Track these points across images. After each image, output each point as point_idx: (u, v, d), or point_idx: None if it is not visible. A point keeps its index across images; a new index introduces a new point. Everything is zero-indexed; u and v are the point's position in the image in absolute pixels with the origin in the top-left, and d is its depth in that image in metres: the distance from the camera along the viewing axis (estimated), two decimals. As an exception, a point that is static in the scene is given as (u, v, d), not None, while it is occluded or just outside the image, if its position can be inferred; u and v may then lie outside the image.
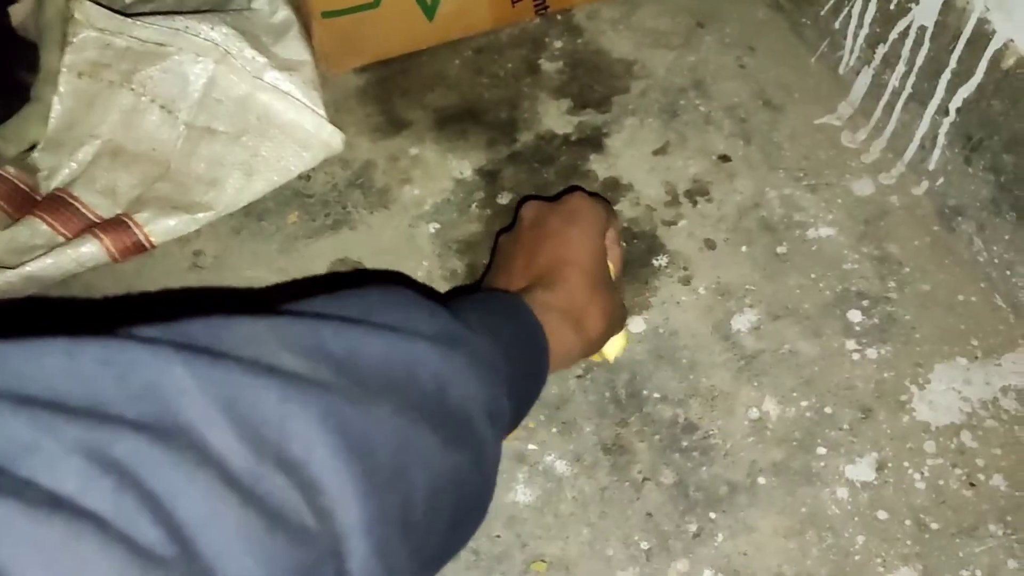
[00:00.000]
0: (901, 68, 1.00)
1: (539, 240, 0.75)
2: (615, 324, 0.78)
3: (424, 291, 0.59)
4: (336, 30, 1.14)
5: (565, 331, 0.68)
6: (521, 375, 0.60)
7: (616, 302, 0.77)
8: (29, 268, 0.90)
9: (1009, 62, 0.87)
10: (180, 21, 0.99)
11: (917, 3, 0.95)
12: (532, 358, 0.63)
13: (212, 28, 1.00)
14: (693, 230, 1.03)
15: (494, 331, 0.59)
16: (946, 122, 0.96)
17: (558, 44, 1.20)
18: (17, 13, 1.09)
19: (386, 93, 1.17)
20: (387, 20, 1.15)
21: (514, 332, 0.62)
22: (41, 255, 0.91)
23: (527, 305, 0.66)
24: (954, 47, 0.92)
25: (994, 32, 0.87)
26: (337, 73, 1.18)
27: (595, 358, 0.85)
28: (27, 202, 0.99)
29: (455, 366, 0.50)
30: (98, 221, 0.96)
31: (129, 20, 0.98)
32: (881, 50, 1.03)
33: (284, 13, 1.12)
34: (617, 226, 0.83)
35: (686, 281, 0.99)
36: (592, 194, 0.83)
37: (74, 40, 0.97)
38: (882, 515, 0.84)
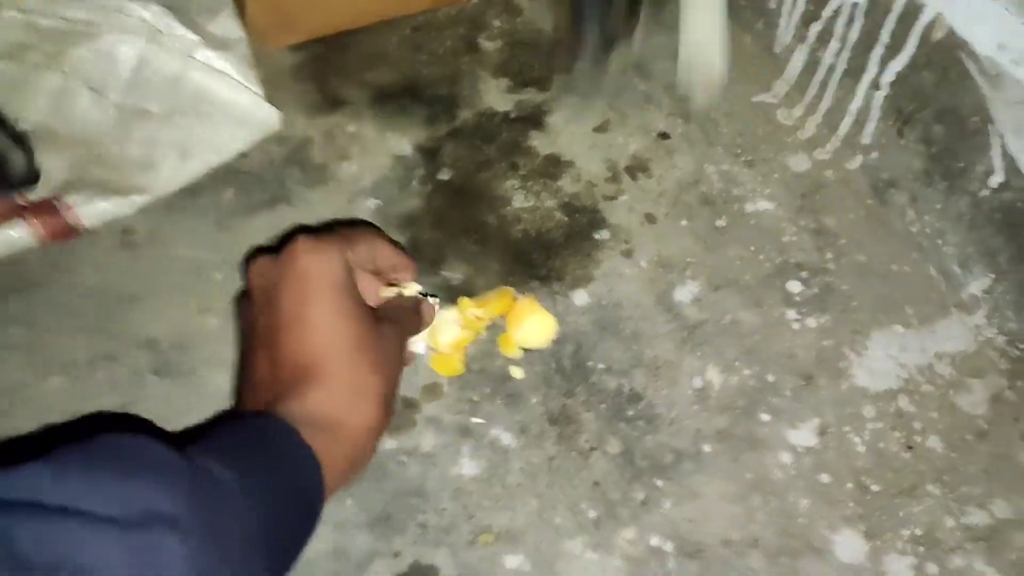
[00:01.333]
0: (835, 45, 1.02)
1: (275, 333, 0.59)
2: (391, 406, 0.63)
3: (162, 436, 0.46)
4: (270, 5, 1.12)
5: (334, 451, 0.55)
6: (288, 530, 0.51)
7: (397, 371, 0.65)
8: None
9: (938, 35, 0.89)
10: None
11: (848, -20, 0.97)
12: (301, 503, 0.52)
13: (142, 7, 0.97)
14: (634, 205, 1.03)
15: (249, 483, 0.47)
16: (879, 95, 0.98)
17: (497, 23, 1.20)
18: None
19: (323, 71, 1.15)
20: (323, -3, 1.13)
21: (278, 477, 0.51)
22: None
23: (290, 428, 0.53)
24: (885, 22, 0.94)
25: (923, 6, 0.89)
26: (272, 50, 1.16)
27: (509, 351, 0.85)
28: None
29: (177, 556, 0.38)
30: (26, 205, 0.92)
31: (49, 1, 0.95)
32: (815, 28, 1.04)
33: (216, -13, 1.09)
34: (382, 252, 0.69)
35: (628, 254, 0.99)
36: (343, 224, 0.76)
37: None
38: (824, 478, 0.85)
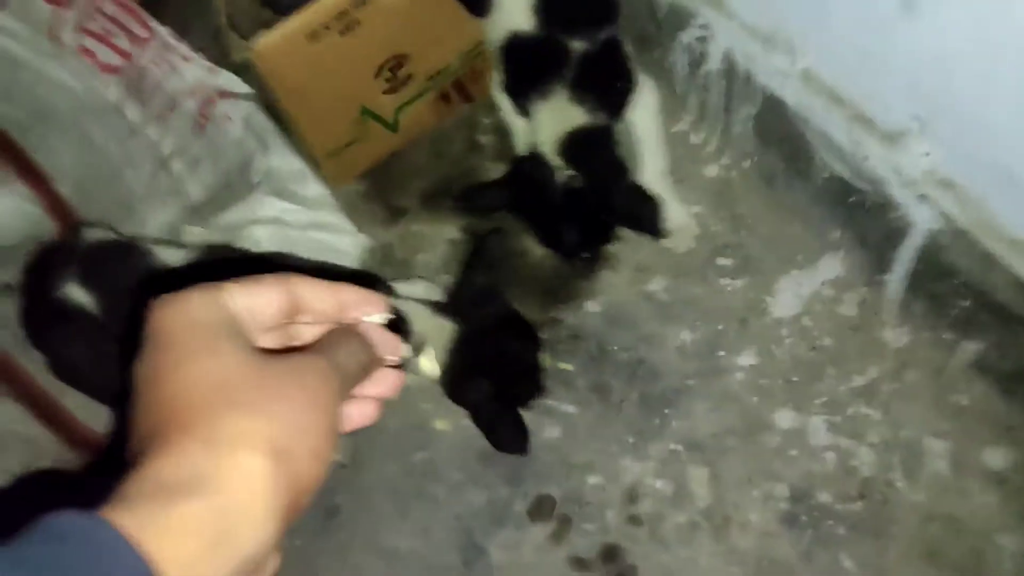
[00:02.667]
0: (716, 89, 1.52)
1: (147, 391, 0.47)
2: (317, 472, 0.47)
3: None
4: (336, 161, 1.65)
5: (188, 535, 0.40)
6: None
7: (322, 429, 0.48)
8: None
9: (767, 94, 1.38)
10: (240, 209, 1.49)
11: (707, 57, 1.46)
12: None
13: (261, 207, 1.50)
14: (611, 231, 1.56)
15: None
16: (752, 120, 1.47)
17: (487, 120, 1.70)
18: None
19: (381, 190, 1.69)
20: (366, 144, 1.65)
21: None
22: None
23: (108, 536, 0.38)
24: (735, 79, 1.43)
25: (742, 67, 1.39)
26: (343, 187, 1.69)
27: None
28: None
29: None
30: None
31: (212, 223, 1.47)
32: (697, 79, 1.54)
33: (296, 163, 1.60)
34: (309, 294, 0.54)
35: (614, 267, 1.52)
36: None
37: (190, 249, 1.46)
38: (764, 382, 1.40)
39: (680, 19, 1.47)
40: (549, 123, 1.39)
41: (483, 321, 1.32)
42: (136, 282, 1.28)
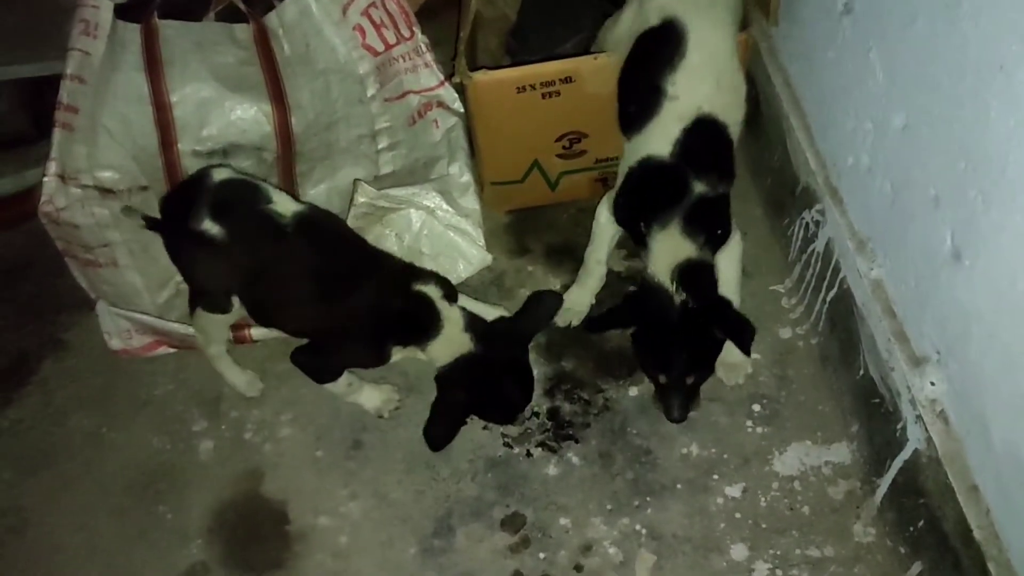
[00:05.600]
0: (814, 267, 1.73)
1: None
2: None
3: None
4: (498, 191, 1.97)
5: None
6: None
7: None
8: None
9: (845, 287, 1.58)
10: (410, 190, 1.83)
11: (817, 238, 1.68)
12: None
13: (427, 196, 1.83)
14: (679, 342, 1.79)
15: None
16: (828, 303, 1.68)
17: (628, 213, 1.98)
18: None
19: (520, 229, 1.99)
20: (527, 188, 1.97)
21: None
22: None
23: None
24: (831, 263, 1.65)
25: (836, 257, 1.60)
26: (494, 213, 2.01)
27: None
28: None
29: None
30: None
31: (383, 192, 1.82)
32: (805, 255, 1.76)
33: (467, 177, 1.94)
34: None
35: (666, 371, 1.75)
36: None
37: (356, 205, 1.81)
38: (737, 515, 1.59)
39: (809, 199, 1.70)
40: (665, 251, 1.57)
41: (498, 352, 1.59)
42: (257, 216, 1.56)
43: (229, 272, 1.59)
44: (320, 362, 1.66)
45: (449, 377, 1.58)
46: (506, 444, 1.70)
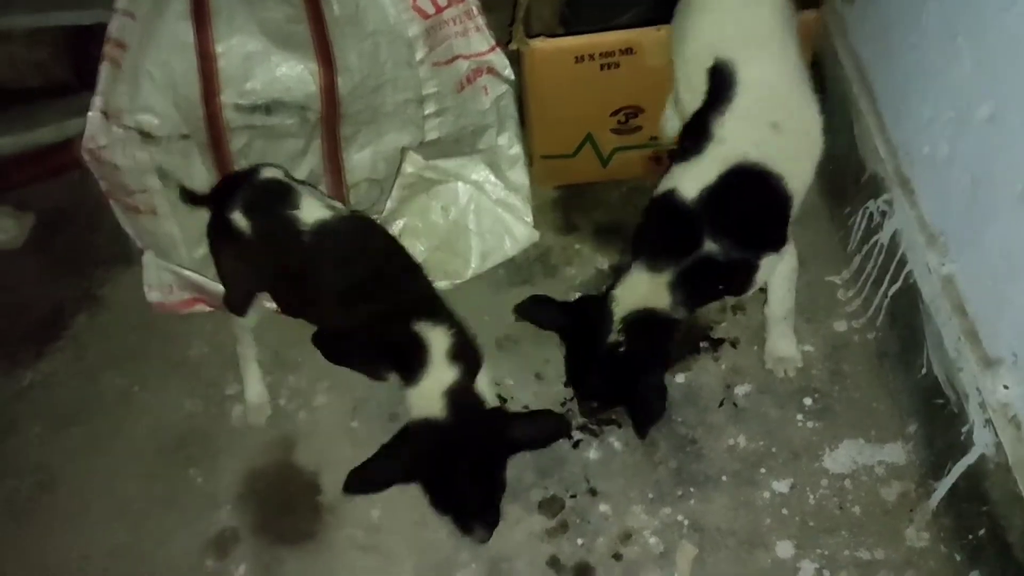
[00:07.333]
0: (875, 259, 1.66)
1: None
2: None
3: None
4: (548, 165, 1.91)
5: None
6: None
7: None
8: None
9: (910, 281, 1.52)
10: (458, 162, 1.77)
11: (882, 229, 1.61)
12: None
13: (475, 169, 1.78)
14: (730, 330, 1.73)
15: None
16: (889, 297, 1.61)
17: (680, 194, 1.92)
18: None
19: (569, 206, 1.94)
20: (578, 164, 1.91)
21: None
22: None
23: None
24: (892, 256, 1.58)
25: (902, 250, 1.53)
26: (543, 188, 1.95)
27: None
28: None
29: None
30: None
31: (431, 164, 1.76)
32: (866, 246, 1.69)
33: (517, 149, 1.88)
34: None
35: (716, 359, 1.70)
36: None
37: (403, 175, 1.75)
38: (784, 511, 1.53)
39: (875, 188, 1.63)
40: (633, 289, 1.50)
41: (469, 437, 1.45)
42: (284, 219, 1.52)
43: (249, 269, 1.60)
44: (329, 351, 1.63)
45: (409, 434, 1.48)
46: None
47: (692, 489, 1.56)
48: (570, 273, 1.84)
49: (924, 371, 1.49)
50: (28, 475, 1.67)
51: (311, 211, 1.54)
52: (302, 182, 1.65)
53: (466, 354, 1.51)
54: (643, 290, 1.50)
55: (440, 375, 1.47)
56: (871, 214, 1.66)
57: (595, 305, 1.55)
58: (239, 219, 1.54)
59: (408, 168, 1.74)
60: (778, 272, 1.56)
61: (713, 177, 1.45)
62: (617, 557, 1.51)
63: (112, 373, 1.80)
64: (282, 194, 1.56)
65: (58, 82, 2.14)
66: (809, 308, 1.75)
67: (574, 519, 1.55)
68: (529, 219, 1.83)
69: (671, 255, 1.48)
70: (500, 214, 1.81)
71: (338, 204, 1.62)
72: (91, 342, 1.85)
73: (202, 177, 1.91)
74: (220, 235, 1.61)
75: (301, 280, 1.55)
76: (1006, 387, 1.28)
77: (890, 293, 1.61)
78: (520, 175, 1.87)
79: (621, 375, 1.51)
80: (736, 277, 1.51)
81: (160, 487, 1.65)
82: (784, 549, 1.49)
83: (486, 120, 1.91)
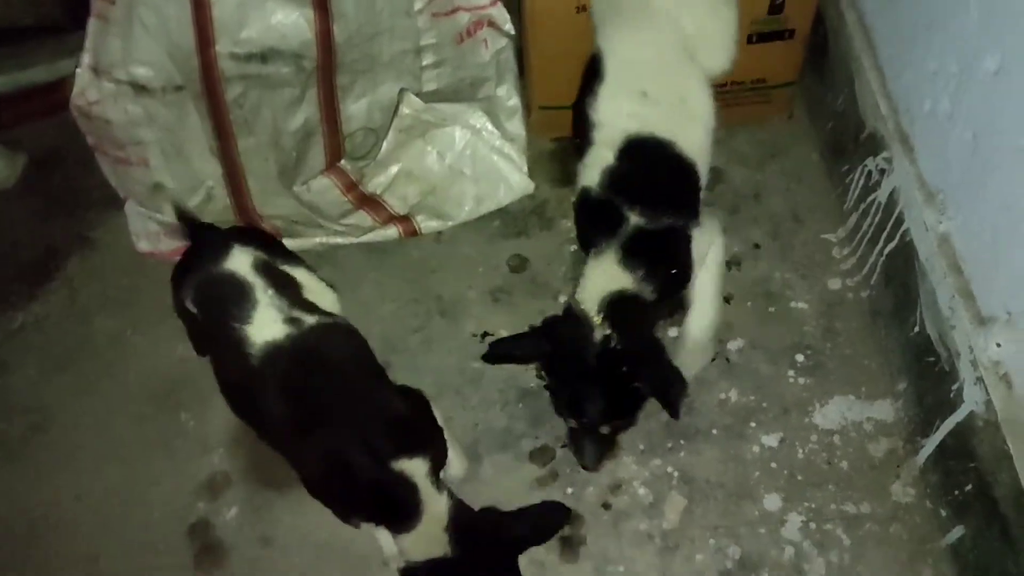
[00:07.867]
0: (872, 217, 1.66)
1: None
2: None
3: None
4: (546, 116, 1.89)
5: None
6: None
7: None
8: (365, 238, 1.71)
9: (906, 240, 1.52)
10: (456, 107, 1.76)
11: (880, 187, 1.61)
12: None
13: (472, 115, 1.76)
14: (724, 286, 1.73)
15: None
16: (884, 255, 1.61)
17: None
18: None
19: (566, 157, 1.92)
20: (576, 115, 1.89)
21: None
22: (370, 231, 1.72)
23: None
24: (895, 213, 1.57)
25: (900, 208, 1.52)
26: (539, 139, 1.93)
27: None
28: (352, 190, 1.79)
29: None
30: (395, 215, 1.75)
31: (429, 106, 1.74)
32: (863, 204, 1.68)
33: (515, 100, 1.86)
34: None
35: (708, 314, 1.70)
36: None
37: (400, 116, 1.74)
38: (773, 464, 1.54)
39: (874, 146, 1.62)
40: (595, 278, 1.45)
41: (479, 563, 1.30)
42: (232, 332, 1.32)
43: (205, 345, 1.56)
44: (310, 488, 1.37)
45: None
46: (539, 375, 1.65)
47: (682, 442, 1.57)
48: (566, 226, 1.83)
49: (916, 329, 1.49)
50: (21, 416, 1.68)
51: (263, 327, 1.32)
52: (270, 262, 1.41)
53: (441, 458, 1.35)
54: (602, 277, 1.45)
55: (436, 509, 1.28)
56: (869, 172, 1.65)
57: (565, 315, 1.48)
58: (191, 305, 1.41)
59: (405, 110, 1.72)
60: (705, 268, 1.53)
61: (611, 159, 1.48)
62: (606, 507, 1.52)
63: (104, 316, 1.79)
64: (236, 298, 1.34)
65: (50, 20, 2.10)
66: (804, 265, 1.75)
67: (564, 468, 1.56)
68: (524, 169, 1.83)
69: (607, 236, 1.46)
70: (496, 161, 1.80)
71: (305, 314, 1.35)
72: (83, 284, 1.84)
73: (196, 129, 1.88)
74: (176, 295, 1.46)
75: (252, 402, 1.36)
76: (998, 345, 1.28)
77: (886, 251, 1.61)
78: (517, 126, 1.86)
79: (624, 375, 1.41)
80: (673, 247, 1.48)
81: (152, 430, 1.65)
82: (772, 502, 1.51)
83: (485, 72, 1.89)
